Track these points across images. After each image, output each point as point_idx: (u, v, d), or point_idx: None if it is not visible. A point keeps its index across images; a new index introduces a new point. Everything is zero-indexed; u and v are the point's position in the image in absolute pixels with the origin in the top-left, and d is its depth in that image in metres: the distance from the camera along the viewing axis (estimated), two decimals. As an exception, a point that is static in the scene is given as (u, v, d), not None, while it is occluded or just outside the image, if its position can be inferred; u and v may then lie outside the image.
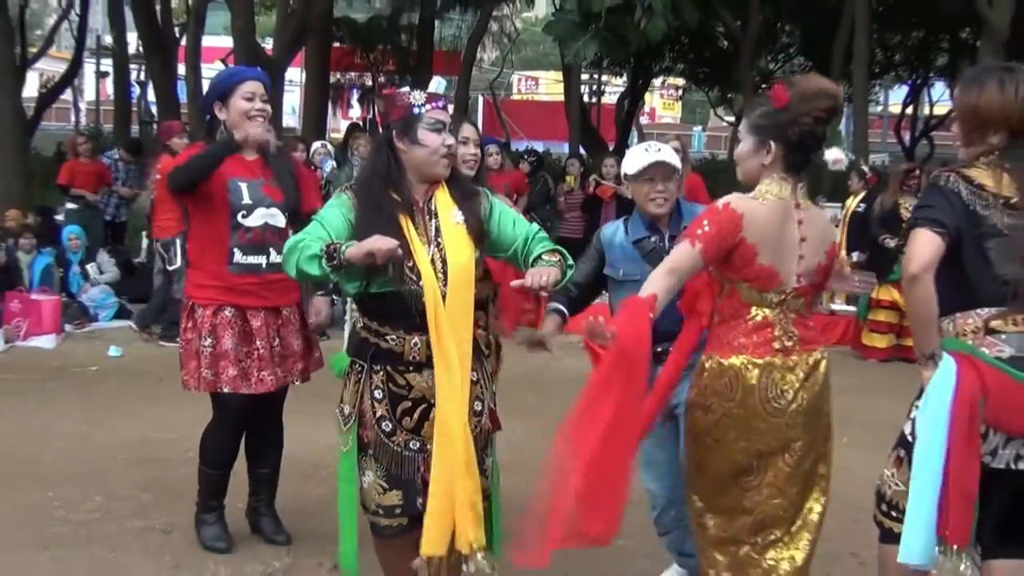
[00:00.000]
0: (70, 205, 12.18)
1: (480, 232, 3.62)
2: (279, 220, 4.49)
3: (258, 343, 4.46)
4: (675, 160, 4.17)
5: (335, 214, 3.51)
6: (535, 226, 3.77)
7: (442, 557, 3.50)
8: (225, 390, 4.42)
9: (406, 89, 3.65)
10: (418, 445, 3.58)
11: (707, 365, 3.51)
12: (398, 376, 3.55)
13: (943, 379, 3.20)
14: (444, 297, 3.48)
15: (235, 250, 4.43)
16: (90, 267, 10.90)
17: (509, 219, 3.72)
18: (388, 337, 3.57)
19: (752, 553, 3.53)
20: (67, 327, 9.88)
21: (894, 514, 3.36)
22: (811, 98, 3.41)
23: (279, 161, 4.63)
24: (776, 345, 3.47)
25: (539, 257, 3.57)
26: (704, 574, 3.66)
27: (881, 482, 3.48)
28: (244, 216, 4.44)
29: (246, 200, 4.45)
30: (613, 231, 4.32)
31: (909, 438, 3.34)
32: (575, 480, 3.27)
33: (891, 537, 3.36)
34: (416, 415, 3.57)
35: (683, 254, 3.39)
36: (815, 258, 3.49)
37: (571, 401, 3.61)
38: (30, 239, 10.56)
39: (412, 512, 3.60)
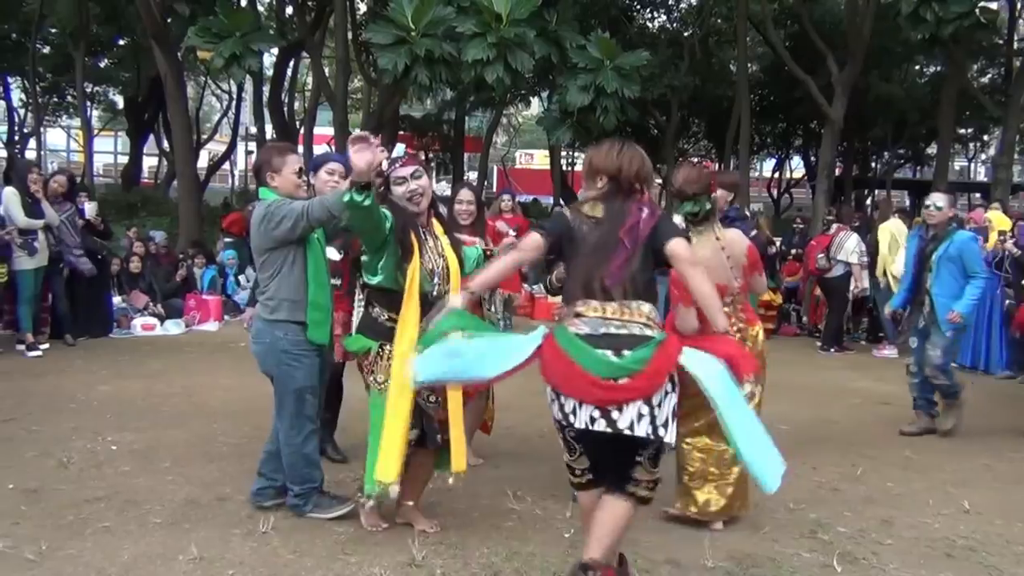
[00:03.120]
0: (227, 239, 12.22)
1: (460, 254, 3.67)
2: (334, 255, 4.29)
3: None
4: None
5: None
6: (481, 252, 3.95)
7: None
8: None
9: (384, 161, 3.52)
10: (435, 399, 3.47)
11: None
12: None
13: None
14: (447, 293, 3.42)
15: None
16: (241, 278, 10.96)
17: (468, 251, 3.84)
18: None
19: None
20: (226, 317, 9.93)
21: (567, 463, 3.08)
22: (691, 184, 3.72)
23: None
24: (735, 327, 3.65)
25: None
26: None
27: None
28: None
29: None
30: None
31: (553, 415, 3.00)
32: None
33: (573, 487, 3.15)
34: None
35: (686, 312, 3.49)
36: (739, 265, 3.79)
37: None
38: (202, 259, 10.64)
39: (434, 445, 3.54)
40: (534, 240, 2.98)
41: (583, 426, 2.83)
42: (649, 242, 2.89)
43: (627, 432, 2.80)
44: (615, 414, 2.80)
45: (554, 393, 2.89)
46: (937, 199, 5.57)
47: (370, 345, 3.51)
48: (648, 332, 2.85)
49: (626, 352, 2.79)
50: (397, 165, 3.54)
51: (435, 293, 3.47)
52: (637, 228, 2.88)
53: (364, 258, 3.56)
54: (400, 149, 3.66)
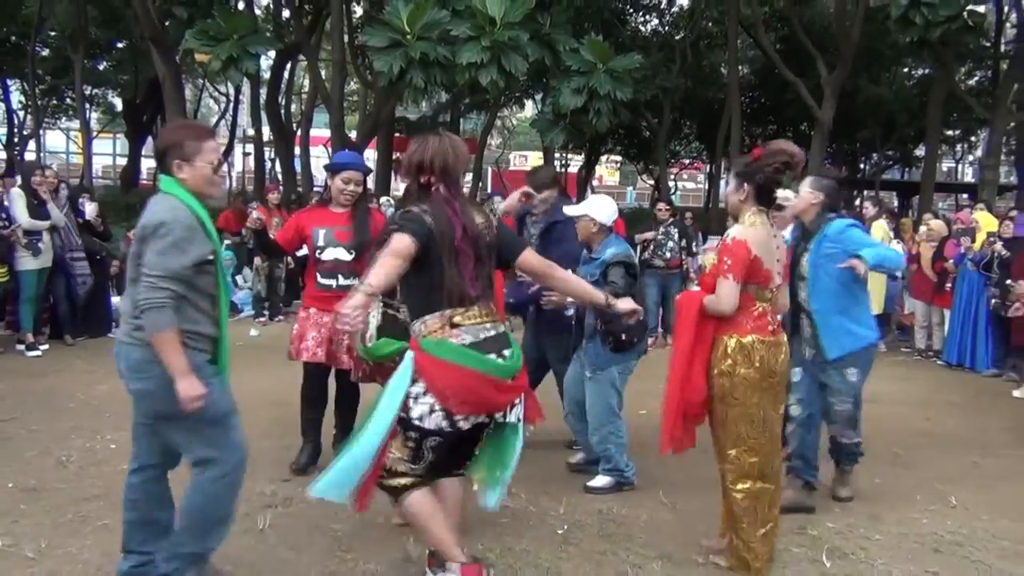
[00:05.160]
0: (227, 241, 12.14)
1: None
2: (345, 255, 4.26)
3: (322, 331, 4.25)
4: (579, 212, 4.35)
5: None
6: None
7: None
8: (304, 358, 4.32)
9: None
10: None
11: (730, 344, 3.22)
12: None
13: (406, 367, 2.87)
14: None
15: (317, 274, 4.33)
16: (239, 278, 10.94)
17: None
18: None
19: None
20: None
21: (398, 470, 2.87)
22: (773, 155, 3.24)
23: (363, 212, 4.36)
24: (770, 328, 3.28)
25: None
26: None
27: (392, 460, 2.86)
28: (320, 252, 4.30)
29: (320, 243, 4.29)
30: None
31: (416, 422, 2.84)
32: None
33: (399, 491, 2.88)
34: None
35: (730, 288, 3.19)
36: (783, 264, 3.40)
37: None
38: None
39: None
40: (405, 245, 2.79)
41: (470, 426, 2.90)
42: (493, 241, 3.00)
43: (514, 421, 3.00)
44: (508, 408, 2.97)
45: (442, 408, 2.80)
46: (804, 183, 4.16)
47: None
48: (503, 328, 2.96)
49: (506, 352, 2.91)
50: None
51: None
52: (469, 231, 2.88)
53: None
54: None
